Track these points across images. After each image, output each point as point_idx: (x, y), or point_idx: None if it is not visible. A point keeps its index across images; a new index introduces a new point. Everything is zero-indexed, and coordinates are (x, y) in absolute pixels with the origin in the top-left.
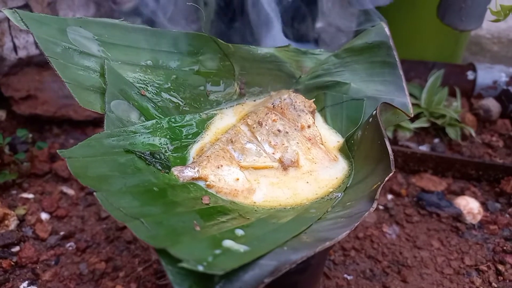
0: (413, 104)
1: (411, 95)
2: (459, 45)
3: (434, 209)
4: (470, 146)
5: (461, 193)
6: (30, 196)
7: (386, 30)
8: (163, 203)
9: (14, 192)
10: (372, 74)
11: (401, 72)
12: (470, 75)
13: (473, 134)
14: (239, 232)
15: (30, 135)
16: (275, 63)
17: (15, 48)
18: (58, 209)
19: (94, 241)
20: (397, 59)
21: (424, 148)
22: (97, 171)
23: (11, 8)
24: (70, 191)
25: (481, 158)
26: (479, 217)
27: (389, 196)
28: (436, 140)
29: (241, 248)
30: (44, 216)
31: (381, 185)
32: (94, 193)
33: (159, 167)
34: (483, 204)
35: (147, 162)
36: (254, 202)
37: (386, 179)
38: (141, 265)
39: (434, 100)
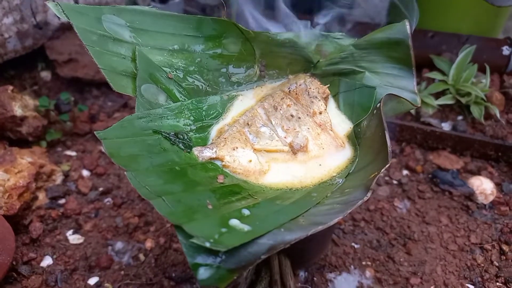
0: (440, 81)
1: (439, 70)
2: (500, 17)
3: (447, 187)
4: (494, 125)
5: (478, 172)
6: (73, 153)
7: (408, 28)
8: (183, 182)
9: (59, 149)
10: (387, 68)
11: (414, 72)
12: (505, 50)
13: (498, 114)
14: (246, 212)
15: (72, 98)
16: (294, 48)
17: None
18: (98, 167)
19: (129, 198)
20: (412, 59)
21: (446, 125)
22: (128, 151)
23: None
24: None
25: (504, 138)
26: (491, 198)
27: (404, 172)
28: (460, 118)
29: (245, 227)
30: (85, 173)
31: (377, 176)
32: (125, 173)
33: (182, 147)
34: (498, 185)
35: (171, 142)
36: (263, 183)
37: (383, 170)
38: (169, 222)
39: (462, 77)
